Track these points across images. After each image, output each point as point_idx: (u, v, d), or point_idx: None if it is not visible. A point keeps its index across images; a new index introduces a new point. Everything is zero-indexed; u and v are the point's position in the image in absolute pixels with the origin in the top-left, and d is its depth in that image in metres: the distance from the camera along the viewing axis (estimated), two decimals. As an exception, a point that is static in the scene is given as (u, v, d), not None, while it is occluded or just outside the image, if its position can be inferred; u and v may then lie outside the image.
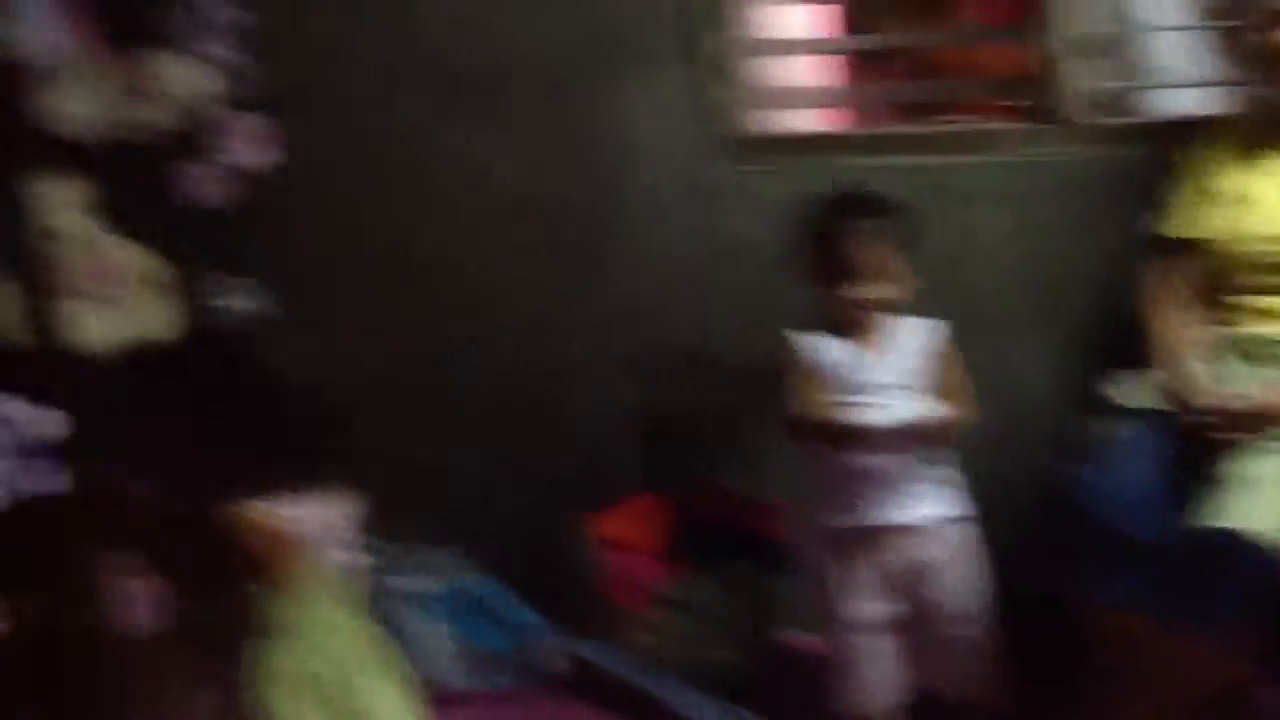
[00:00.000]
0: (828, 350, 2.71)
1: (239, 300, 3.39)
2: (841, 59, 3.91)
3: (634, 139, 3.24)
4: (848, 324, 2.71)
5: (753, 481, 3.27)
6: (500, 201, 3.37)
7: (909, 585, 2.75)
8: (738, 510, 3.19)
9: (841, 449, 2.64)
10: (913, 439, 2.62)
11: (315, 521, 2.10)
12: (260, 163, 3.33)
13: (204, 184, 3.31)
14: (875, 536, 2.71)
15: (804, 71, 3.70)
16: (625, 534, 3.12)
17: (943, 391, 2.67)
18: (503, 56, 3.30)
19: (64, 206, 3.09)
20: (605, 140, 3.27)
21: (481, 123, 3.34)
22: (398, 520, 3.47)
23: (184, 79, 3.16)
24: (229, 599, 2.03)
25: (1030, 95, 3.11)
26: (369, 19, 3.37)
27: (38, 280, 2.89)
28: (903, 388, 2.68)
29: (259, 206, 3.40)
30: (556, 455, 3.42)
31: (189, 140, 3.28)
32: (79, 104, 2.97)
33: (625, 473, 3.36)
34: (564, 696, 3.12)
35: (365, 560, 2.17)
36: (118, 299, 3.16)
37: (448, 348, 3.45)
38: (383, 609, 3.15)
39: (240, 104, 3.33)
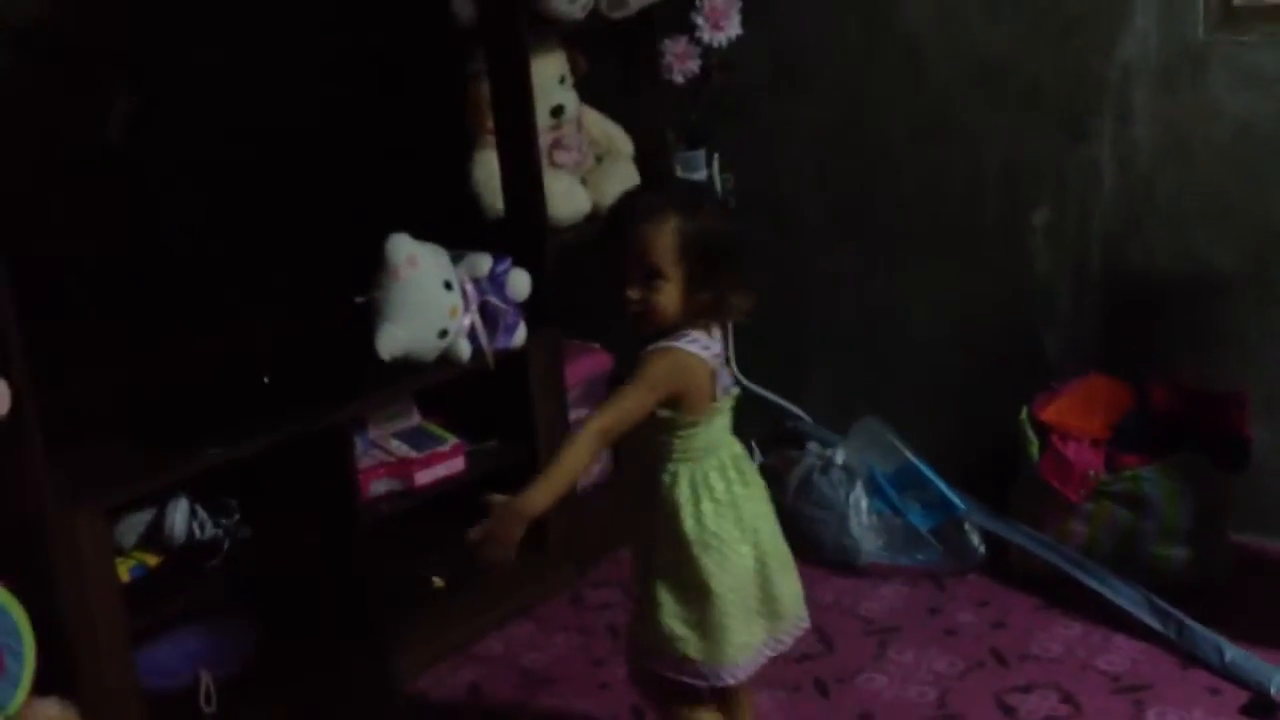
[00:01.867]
0: None
1: (704, 174, 3.51)
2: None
3: (1124, 4, 3.05)
4: None
5: (1217, 373, 3.06)
6: (976, 67, 3.27)
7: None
8: (1196, 402, 2.99)
9: None
10: None
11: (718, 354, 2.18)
12: (729, 38, 3.41)
13: (680, 60, 3.44)
14: None
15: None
16: (1071, 419, 3.00)
17: None
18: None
19: (553, 83, 3.30)
20: (1092, 6, 3.10)
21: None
22: (844, 397, 3.56)
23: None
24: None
25: None
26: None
27: (524, 153, 3.14)
28: None
29: (728, 80, 3.49)
30: (1009, 328, 3.34)
31: (667, 18, 3.41)
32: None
33: (1080, 353, 3.24)
34: (986, 578, 3.09)
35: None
36: (592, 170, 3.37)
37: (907, 217, 3.44)
38: (812, 479, 3.26)
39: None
